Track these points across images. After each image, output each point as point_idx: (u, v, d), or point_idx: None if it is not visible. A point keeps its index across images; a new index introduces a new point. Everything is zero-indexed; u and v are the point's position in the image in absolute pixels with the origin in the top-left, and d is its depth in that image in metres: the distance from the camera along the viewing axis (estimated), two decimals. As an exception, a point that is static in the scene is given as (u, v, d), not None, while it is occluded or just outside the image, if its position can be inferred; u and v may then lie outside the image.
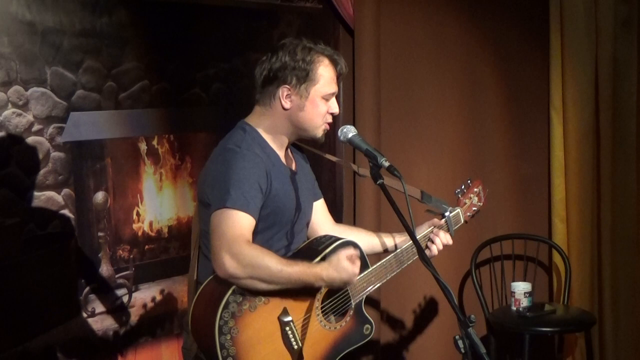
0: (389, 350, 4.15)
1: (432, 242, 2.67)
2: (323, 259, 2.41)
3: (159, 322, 3.28)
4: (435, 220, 2.74)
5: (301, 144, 2.60)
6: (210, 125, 3.46)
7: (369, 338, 2.57)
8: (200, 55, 3.39)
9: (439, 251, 2.68)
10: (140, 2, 3.16)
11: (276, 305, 2.32)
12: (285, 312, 2.33)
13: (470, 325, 2.09)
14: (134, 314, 3.19)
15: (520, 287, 4.01)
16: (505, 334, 4.16)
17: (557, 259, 4.36)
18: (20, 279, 2.83)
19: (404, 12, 4.06)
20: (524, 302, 3.98)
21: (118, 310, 3.14)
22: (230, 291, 2.25)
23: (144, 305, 3.23)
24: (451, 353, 2.34)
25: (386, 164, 2.36)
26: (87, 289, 3.04)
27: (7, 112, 2.77)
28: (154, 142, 3.26)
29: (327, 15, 3.88)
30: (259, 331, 2.29)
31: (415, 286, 4.15)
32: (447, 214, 2.74)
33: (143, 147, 3.22)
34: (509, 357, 4.30)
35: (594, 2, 4.26)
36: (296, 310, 2.36)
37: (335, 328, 2.47)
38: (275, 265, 2.25)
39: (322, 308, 2.43)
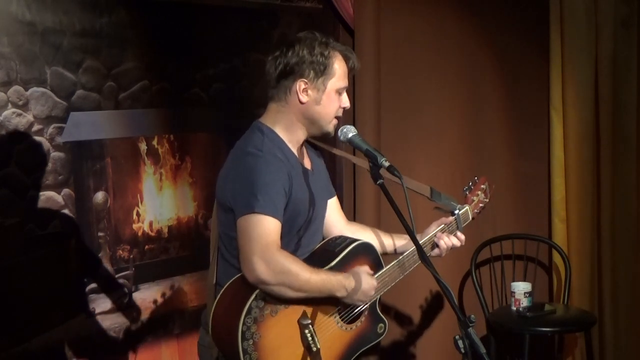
0: (389, 350, 4.15)
1: (437, 244, 2.69)
2: (340, 261, 2.43)
3: (159, 322, 3.28)
4: (444, 218, 2.76)
5: (313, 140, 2.60)
6: (210, 125, 3.46)
7: (382, 336, 2.59)
8: (200, 55, 3.39)
9: (446, 251, 2.70)
10: (140, 2, 3.16)
11: (296, 308, 2.33)
12: (304, 315, 2.33)
13: (470, 325, 2.09)
14: (134, 314, 3.19)
15: (520, 287, 4.01)
16: (505, 334, 4.15)
17: (557, 259, 4.36)
18: (20, 279, 2.83)
19: (404, 12, 4.06)
20: (524, 302, 3.98)
21: (118, 310, 3.14)
22: (253, 296, 2.24)
23: (144, 306, 3.23)
24: (451, 353, 2.34)
25: (386, 164, 2.36)
26: (87, 289, 3.04)
27: (7, 112, 2.77)
28: (154, 142, 3.26)
29: (327, 15, 3.88)
30: (280, 335, 2.29)
31: (415, 286, 4.14)
32: (456, 211, 2.76)
33: (143, 147, 3.22)
34: (509, 357, 4.29)
35: (594, 2, 4.26)
36: (315, 313, 2.37)
37: (351, 329, 2.48)
38: (304, 273, 2.27)
39: (338, 310, 2.44)
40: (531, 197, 4.53)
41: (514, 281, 4.14)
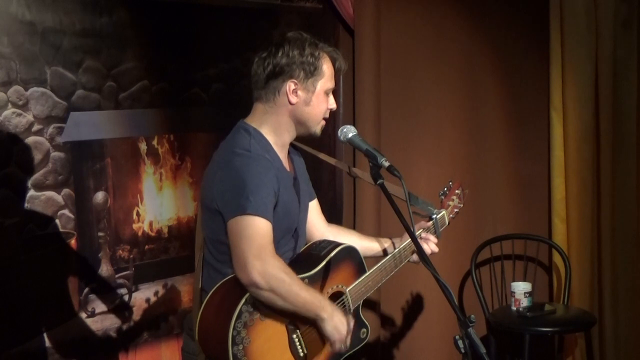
0: (389, 351, 4.15)
1: (422, 244, 2.68)
2: (326, 265, 2.43)
3: (158, 322, 3.28)
4: (423, 222, 2.76)
5: (298, 143, 2.59)
6: (210, 125, 3.46)
7: (365, 342, 2.58)
8: (200, 55, 3.39)
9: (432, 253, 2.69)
10: (140, 2, 3.16)
11: (285, 313, 2.31)
12: (292, 320, 2.33)
13: (470, 325, 2.10)
14: (134, 314, 3.19)
15: (520, 287, 4.01)
16: (505, 334, 4.16)
17: (557, 259, 4.36)
18: (20, 279, 2.83)
19: (404, 12, 4.06)
20: (524, 302, 3.98)
21: (118, 310, 3.14)
22: (243, 301, 2.23)
23: (144, 305, 3.23)
24: (451, 353, 2.34)
25: (386, 164, 2.36)
26: (87, 289, 3.04)
27: (7, 112, 2.77)
28: (154, 142, 3.26)
29: (327, 15, 3.88)
30: (269, 340, 2.28)
31: (415, 286, 4.15)
32: (434, 216, 2.76)
33: (143, 147, 3.22)
34: (509, 357, 4.30)
35: (594, 2, 4.26)
36: (302, 318, 2.35)
37: None
38: (295, 286, 2.25)
39: None
40: (531, 197, 4.53)
41: (514, 281, 4.14)
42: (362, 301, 2.55)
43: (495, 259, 4.34)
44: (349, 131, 2.47)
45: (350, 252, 2.53)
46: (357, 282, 2.51)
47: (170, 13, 3.26)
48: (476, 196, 4.37)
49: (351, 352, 2.52)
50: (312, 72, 2.36)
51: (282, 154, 2.44)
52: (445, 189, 2.90)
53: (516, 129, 4.50)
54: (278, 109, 2.38)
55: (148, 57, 3.18)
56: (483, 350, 2.07)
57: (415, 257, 2.68)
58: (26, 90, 2.81)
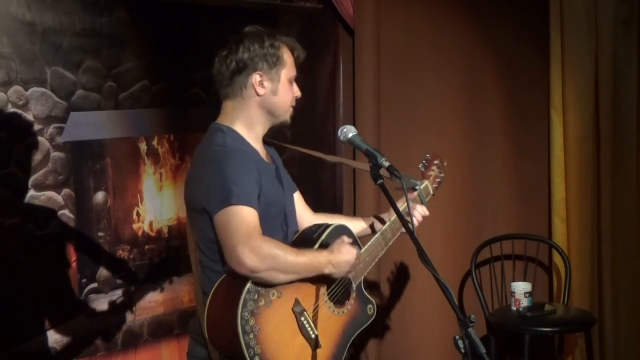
0: (389, 350, 4.15)
1: (412, 215, 2.72)
2: (322, 245, 2.46)
3: (158, 322, 3.28)
4: (409, 194, 2.80)
5: (291, 145, 2.63)
6: (210, 125, 3.45)
7: (373, 317, 2.61)
8: (200, 55, 3.38)
9: (419, 223, 2.78)
10: (140, 2, 3.16)
11: (288, 297, 2.33)
12: (297, 302, 2.35)
13: (470, 325, 2.09)
14: (134, 314, 3.19)
15: (520, 287, 4.01)
16: (505, 334, 4.16)
17: (557, 259, 4.36)
18: (20, 279, 2.83)
19: (404, 12, 4.06)
20: (524, 302, 3.98)
21: (118, 310, 3.14)
22: (245, 289, 2.24)
23: (144, 305, 3.23)
24: (451, 353, 2.34)
25: (386, 163, 2.37)
26: (87, 289, 3.04)
27: (7, 112, 2.77)
28: (154, 142, 3.26)
29: (327, 15, 3.88)
30: (278, 325, 2.30)
31: (415, 286, 4.15)
32: (417, 187, 2.85)
33: (143, 147, 3.22)
34: (509, 357, 4.30)
35: (594, 2, 4.26)
36: (306, 299, 2.38)
37: (343, 312, 2.50)
38: (290, 255, 2.29)
39: (328, 294, 2.46)
40: (531, 197, 4.53)
41: (514, 281, 4.14)
42: (363, 278, 2.58)
43: (495, 259, 4.34)
44: (349, 131, 2.48)
45: (342, 230, 2.57)
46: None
47: (170, 13, 3.26)
48: (476, 196, 4.37)
49: (361, 329, 2.56)
50: (274, 62, 2.42)
51: (259, 147, 2.49)
52: (424, 161, 2.97)
53: (516, 128, 4.50)
54: (247, 103, 2.44)
55: (148, 57, 3.18)
56: (483, 350, 2.07)
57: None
58: (26, 90, 2.81)
